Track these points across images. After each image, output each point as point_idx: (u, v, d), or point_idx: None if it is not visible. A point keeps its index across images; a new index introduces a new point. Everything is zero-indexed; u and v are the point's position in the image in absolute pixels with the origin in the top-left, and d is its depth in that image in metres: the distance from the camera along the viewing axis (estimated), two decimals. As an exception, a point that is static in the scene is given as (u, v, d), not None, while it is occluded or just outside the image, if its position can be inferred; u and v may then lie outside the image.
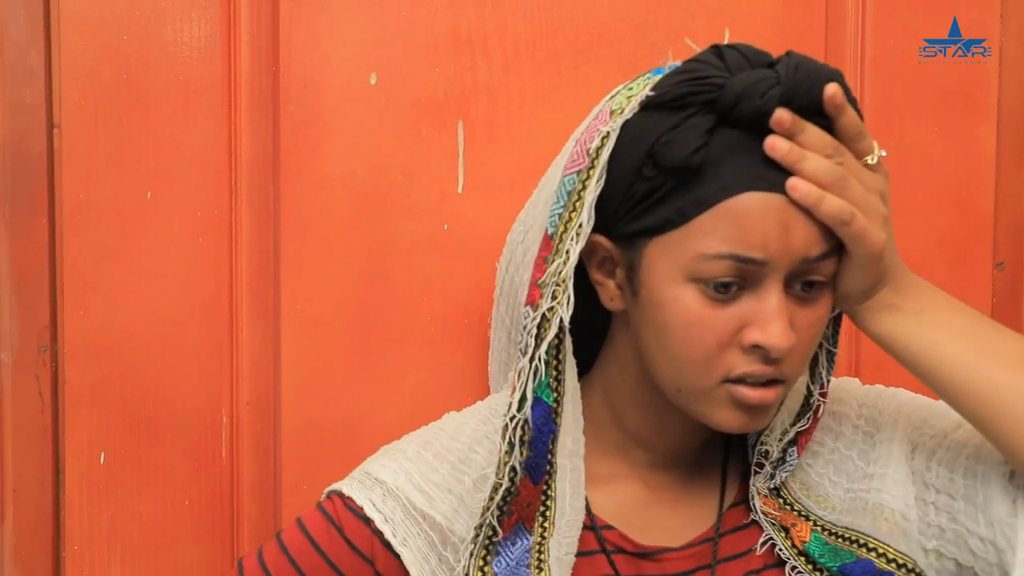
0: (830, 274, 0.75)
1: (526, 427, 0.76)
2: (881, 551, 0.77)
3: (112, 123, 1.02)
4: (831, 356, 0.81)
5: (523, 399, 0.75)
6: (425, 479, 0.80)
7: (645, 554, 0.80)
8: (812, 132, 0.71)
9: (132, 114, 1.02)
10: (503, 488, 0.76)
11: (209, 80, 1.03)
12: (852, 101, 0.74)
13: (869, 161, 0.74)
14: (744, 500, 0.82)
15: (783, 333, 0.71)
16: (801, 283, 0.74)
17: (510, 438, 0.76)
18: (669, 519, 0.82)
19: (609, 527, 0.81)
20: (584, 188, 0.74)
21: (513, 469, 0.76)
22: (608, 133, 0.73)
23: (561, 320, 0.75)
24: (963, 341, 0.74)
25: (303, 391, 1.04)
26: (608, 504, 0.82)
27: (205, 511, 1.05)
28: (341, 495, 0.82)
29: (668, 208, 0.72)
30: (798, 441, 0.81)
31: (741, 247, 0.71)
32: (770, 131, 0.71)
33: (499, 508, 0.77)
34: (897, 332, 0.75)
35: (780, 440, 0.81)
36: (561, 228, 0.75)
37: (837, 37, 1.14)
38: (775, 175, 0.71)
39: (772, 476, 0.81)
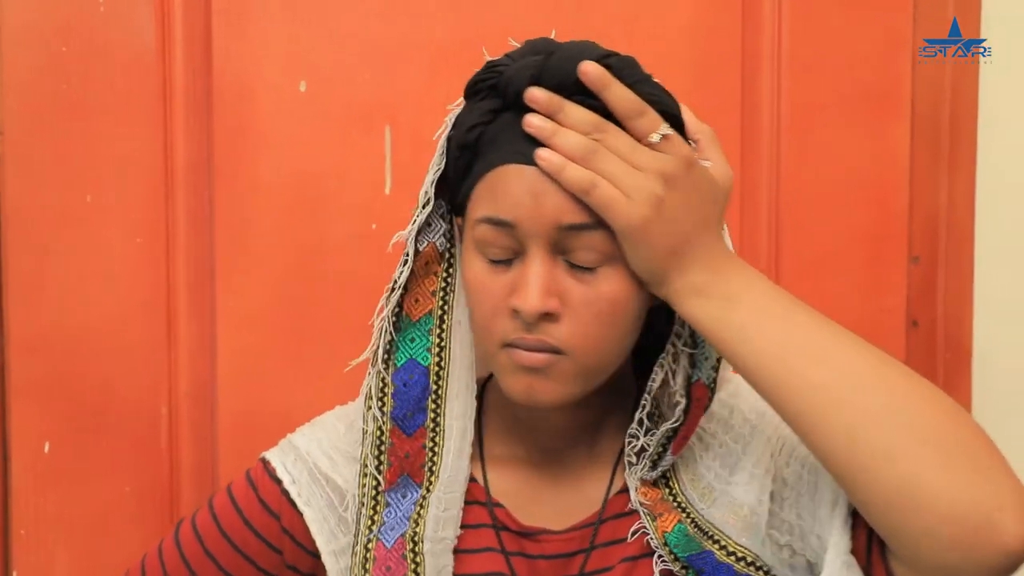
0: (605, 248, 0.76)
1: (385, 380, 0.84)
2: (723, 543, 0.79)
3: (53, 130, 1.07)
4: (691, 356, 0.81)
5: (375, 354, 0.84)
6: (333, 447, 0.89)
7: (526, 533, 0.84)
8: (572, 110, 0.75)
9: (72, 122, 1.07)
10: (369, 434, 0.84)
11: (146, 89, 1.08)
12: (640, 83, 0.76)
13: (652, 139, 0.75)
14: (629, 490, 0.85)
15: (530, 296, 0.75)
16: (579, 252, 0.76)
17: (369, 386, 0.84)
18: (555, 502, 0.85)
19: (499, 505, 0.86)
20: (429, 172, 0.83)
21: (376, 418, 0.84)
22: (447, 123, 0.82)
23: (446, 293, 0.83)
24: (768, 329, 0.73)
25: (239, 383, 1.10)
26: (501, 484, 0.86)
27: (146, 497, 1.10)
28: (263, 460, 0.90)
29: (465, 184, 0.80)
30: (676, 438, 0.82)
31: (493, 211, 0.76)
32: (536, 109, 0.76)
33: (375, 457, 0.84)
34: (707, 317, 0.75)
35: (652, 435, 0.82)
36: (417, 208, 0.83)
37: (753, 41, 1.18)
38: (533, 149, 0.75)
39: (653, 468, 0.83)
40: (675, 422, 0.81)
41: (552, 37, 0.82)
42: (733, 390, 0.88)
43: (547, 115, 0.75)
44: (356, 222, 1.11)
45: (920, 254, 1.23)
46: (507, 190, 0.76)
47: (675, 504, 0.82)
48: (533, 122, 0.75)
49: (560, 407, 0.79)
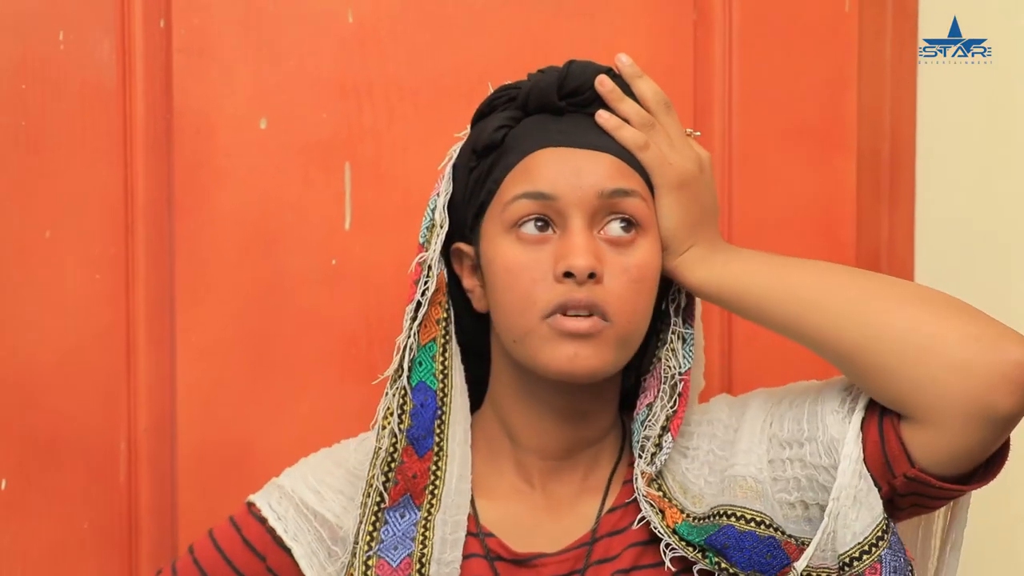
0: (640, 215, 0.85)
1: (406, 397, 0.87)
2: (740, 514, 0.83)
3: (12, 166, 1.08)
4: (684, 338, 0.89)
5: (400, 369, 0.88)
6: (319, 481, 0.91)
7: (520, 560, 0.87)
8: (631, 101, 0.87)
9: (31, 158, 1.08)
10: (383, 451, 0.86)
11: (106, 125, 1.09)
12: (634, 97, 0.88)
13: (690, 132, 0.89)
14: (624, 504, 0.88)
15: (581, 255, 0.82)
16: (614, 223, 0.84)
17: (389, 404, 0.87)
18: (550, 526, 0.88)
19: (491, 535, 0.88)
20: (439, 197, 0.90)
21: (393, 435, 0.86)
22: (451, 154, 0.91)
23: (447, 324, 0.88)
24: (766, 265, 0.86)
25: (198, 417, 1.10)
26: (493, 514, 0.89)
27: (104, 533, 1.10)
28: (248, 503, 0.92)
29: (489, 182, 0.87)
30: (670, 426, 0.88)
31: (532, 186, 0.84)
32: (560, 112, 0.87)
33: (384, 474, 0.86)
34: (709, 275, 0.86)
35: (654, 426, 0.88)
36: (428, 235, 0.90)
37: (705, 79, 1.21)
38: (568, 137, 0.85)
39: (652, 462, 0.87)
40: (673, 407, 0.88)
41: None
42: (706, 408, 0.93)
43: (611, 101, 0.86)
44: (316, 258, 1.12)
45: (864, 286, 1.27)
46: (545, 168, 0.85)
47: (673, 504, 0.87)
48: (605, 83, 0.86)
49: (593, 379, 0.84)
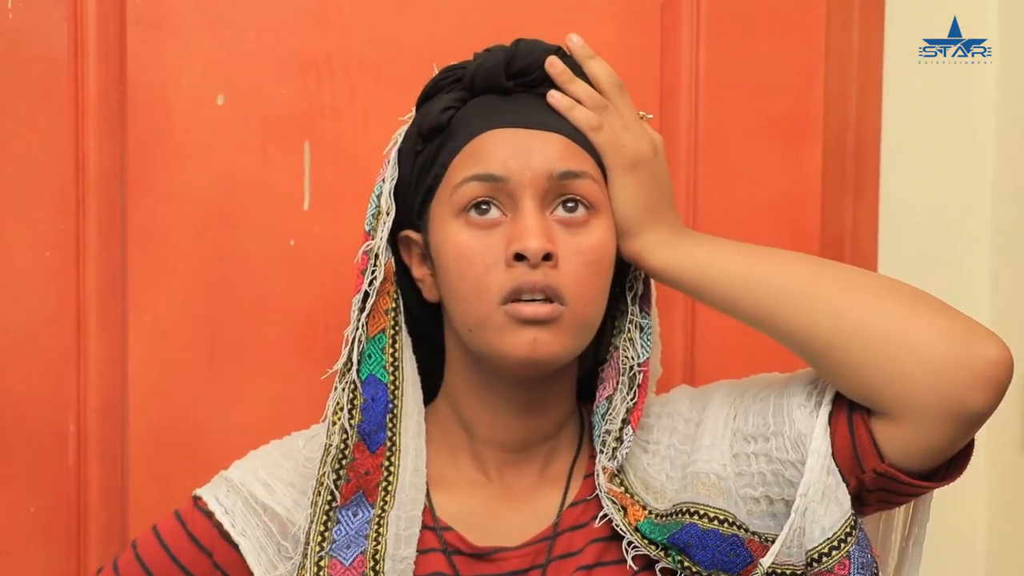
0: (592, 197, 0.83)
1: (356, 391, 0.84)
2: (703, 512, 0.82)
3: (-43, 138, 1.05)
4: (642, 327, 0.88)
5: (348, 362, 0.85)
6: (269, 473, 0.88)
7: (480, 554, 0.85)
8: (583, 83, 0.86)
9: (-23, 130, 1.05)
10: (333, 447, 0.84)
11: (56, 98, 1.06)
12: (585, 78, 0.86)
13: (643, 115, 0.88)
14: (586, 499, 0.87)
15: (534, 236, 0.80)
16: (562, 204, 0.83)
17: (339, 399, 0.84)
18: (510, 519, 0.87)
19: (448, 528, 0.86)
20: (384, 183, 0.87)
21: (344, 431, 0.84)
22: (396, 138, 0.89)
23: (396, 314, 0.86)
24: (734, 252, 0.85)
25: (150, 399, 1.08)
26: (451, 507, 0.87)
27: (51, 517, 1.08)
28: (194, 497, 0.90)
29: (436, 166, 0.85)
30: (630, 419, 0.87)
31: (482, 168, 0.83)
32: (508, 93, 0.85)
33: (335, 471, 0.84)
34: (674, 259, 0.84)
35: (615, 420, 0.86)
36: (374, 223, 0.87)
37: (672, 66, 1.20)
38: (517, 118, 0.84)
39: (613, 456, 0.86)
40: (633, 398, 0.87)
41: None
42: (666, 400, 0.92)
43: (562, 83, 0.85)
44: (273, 237, 1.10)
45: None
46: (495, 149, 0.83)
47: (635, 500, 0.86)
48: (556, 65, 0.85)
49: (553, 365, 0.83)
